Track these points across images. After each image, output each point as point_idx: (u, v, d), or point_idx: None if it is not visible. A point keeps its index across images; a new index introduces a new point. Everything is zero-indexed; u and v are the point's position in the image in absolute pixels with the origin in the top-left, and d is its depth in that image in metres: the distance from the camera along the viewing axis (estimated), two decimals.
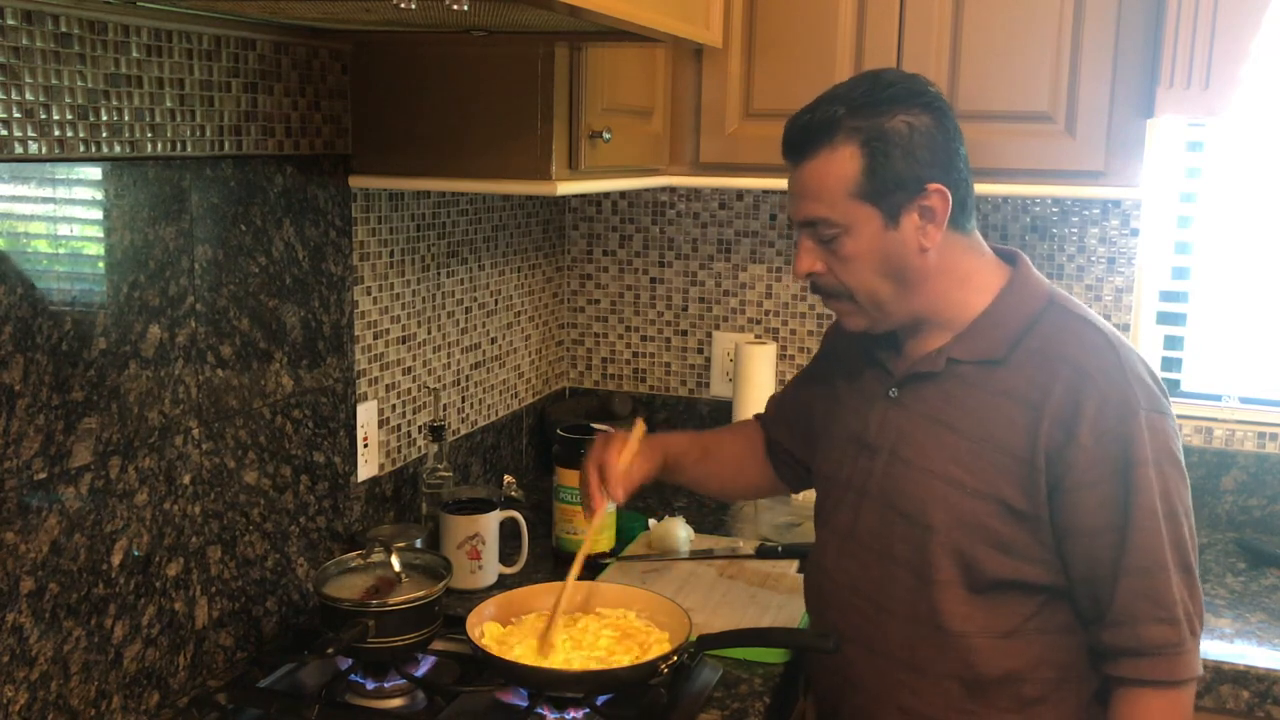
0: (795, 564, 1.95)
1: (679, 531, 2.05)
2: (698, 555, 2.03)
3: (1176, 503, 1.35)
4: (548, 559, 1.99)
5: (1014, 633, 1.39)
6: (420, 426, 2.05)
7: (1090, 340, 1.38)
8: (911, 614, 1.42)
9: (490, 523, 1.88)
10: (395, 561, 1.59)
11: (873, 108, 1.37)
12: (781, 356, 2.51)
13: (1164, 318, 2.35)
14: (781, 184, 2.07)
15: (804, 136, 1.40)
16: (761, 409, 2.37)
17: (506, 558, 1.92)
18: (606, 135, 1.72)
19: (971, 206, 1.43)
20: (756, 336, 2.52)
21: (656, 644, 1.54)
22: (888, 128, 1.36)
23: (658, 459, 1.68)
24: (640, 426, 1.67)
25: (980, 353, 1.41)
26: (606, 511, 1.65)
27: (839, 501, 1.52)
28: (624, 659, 1.50)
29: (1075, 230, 2.30)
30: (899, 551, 1.43)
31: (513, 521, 1.95)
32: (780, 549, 1.99)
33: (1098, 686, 1.40)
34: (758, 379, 2.36)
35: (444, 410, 2.13)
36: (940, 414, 1.42)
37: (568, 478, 1.96)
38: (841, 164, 1.37)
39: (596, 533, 1.62)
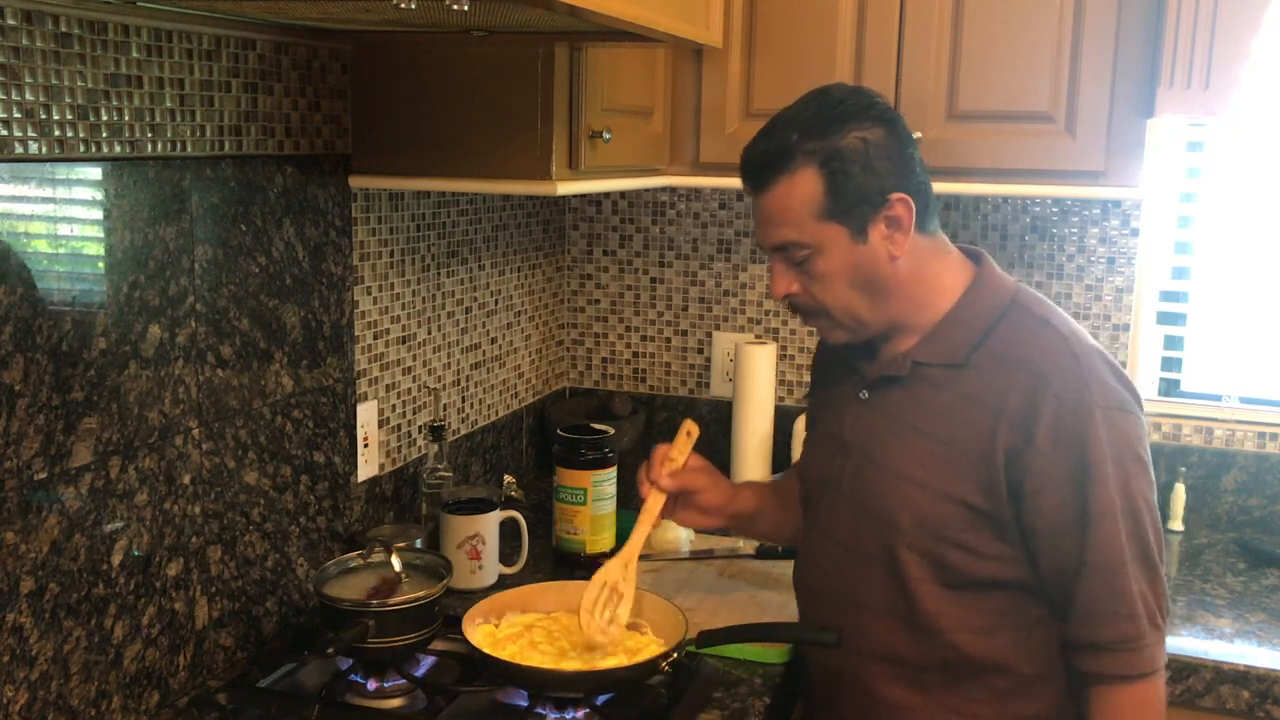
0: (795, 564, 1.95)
1: (679, 532, 2.05)
2: (698, 555, 2.03)
3: (1138, 498, 1.36)
4: (548, 559, 1.99)
5: (991, 628, 1.42)
6: (420, 426, 2.05)
7: (1047, 342, 1.40)
8: (889, 610, 1.45)
9: (490, 523, 1.88)
10: (395, 561, 1.59)
11: (825, 128, 1.39)
12: (781, 356, 2.51)
13: (1164, 318, 2.35)
14: None
15: (762, 164, 1.43)
16: (761, 409, 2.39)
17: (506, 558, 1.92)
18: (606, 135, 1.72)
19: (934, 209, 1.46)
20: (756, 336, 2.52)
21: (654, 644, 1.54)
22: (843, 146, 1.38)
23: (724, 486, 1.67)
24: (692, 427, 1.66)
25: (941, 356, 1.44)
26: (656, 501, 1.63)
27: (818, 501, 1.56)
28: (623, 659, 1.50)
29: (1075, 230, 2.30)
30: (870, 550, 1.46)
31: (513, 521, 1.95)
32: (780, 549, 1.98)
33: (1072, 680, 1.43)
34: (758, 379, 2.36)
35: (444, 410, 2.13)
36: (906, 416, 1.45)
37: (568, 478, 1.96)
38: (803, 187, 1.39)
39: (647, 515, 1.60)
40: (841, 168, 1.38)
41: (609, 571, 1.57)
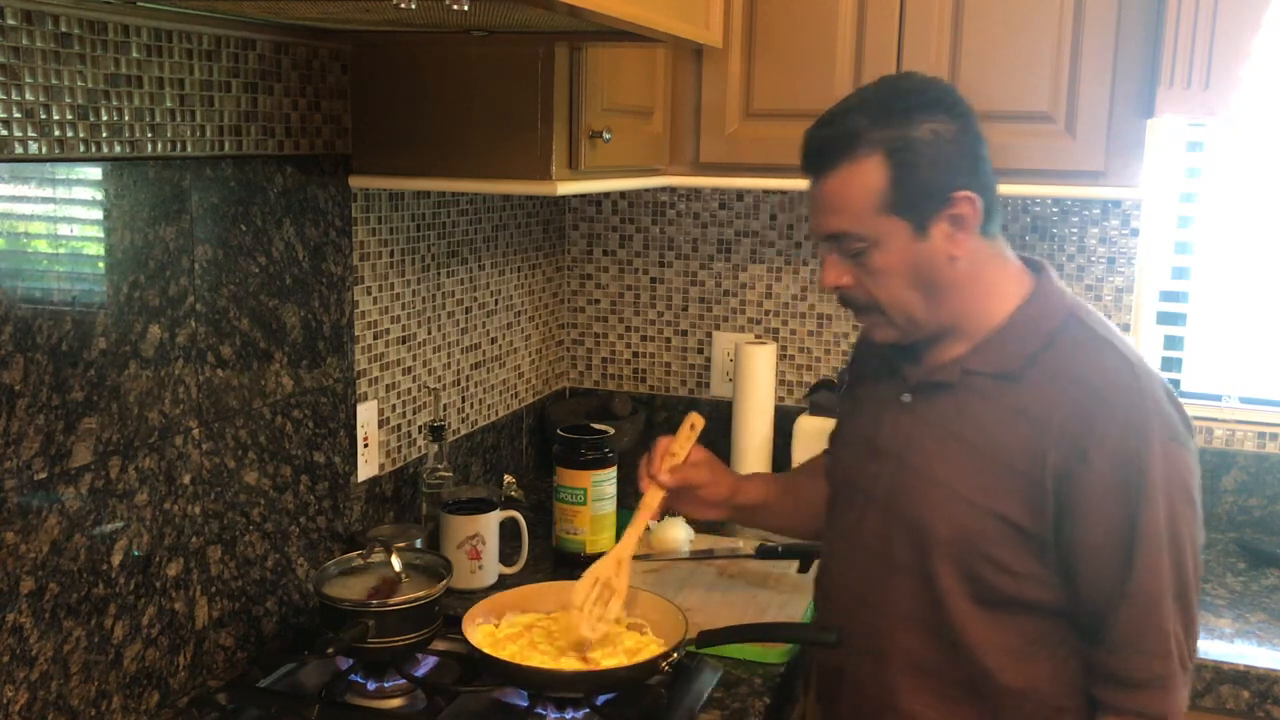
0: (795, 564, 1.95)
1: (679, 532, 2.05)
2: (698, 555, 2.03)
3: (1183, 535, 1.31)
4: (548, 559, 1.99)
5: (1022, 651, 1.37)
6: (420, 426, 2.05)
7: (1110, 363, 1.34)
8: (918, 621, 1.40)
9: (490, 523, 1.88)
10: (395, 561, 1.59)
11: (895, 116, 1.33)
12: (781, 356, 2.51)
13: (1164, 318, 2.35)
14: (781, 184, 2.09)
15: (825, 149, 1.36)
16: (761, 409, 2.39)
17: (506, 558, 1.92)
18: (606, 135, 1.72)
19: (997, 211, 1.40)
20: (756, 336, 2.52)
21: (654, 644, 1.54)
22: (913, 137, 1.32)
23: (727, 481, 1.64)
24: (696, 419, 1.65)
25: (995, 366, 1.38)
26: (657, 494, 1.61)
27: (847, 505, 1.51)
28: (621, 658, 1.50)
29: (1075, 230, 2.30)
30: (902, 559, 1.41)
31: (513, 521, 1.95)
32: (780, 549, 1.98)
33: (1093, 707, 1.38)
34: (758, 379, 2.36)
35: (444, 410, 2.13)
36: (951, 425, 1.39)
37: (568, 478, 1.96)
38: (866, 176, 1.33)
39: (645, 510, 1.59)
40: (909, 159, 1.31)
41: (602, 567, 1.56)
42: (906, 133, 1.32)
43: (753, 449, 2.37)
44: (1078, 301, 1.43)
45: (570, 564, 1.96)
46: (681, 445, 1.61)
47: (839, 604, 1.51)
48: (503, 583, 1.88)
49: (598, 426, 2.04)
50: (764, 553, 2.00)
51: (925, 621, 1.40)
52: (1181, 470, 1.32)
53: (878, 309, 1.40)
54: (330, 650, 1.47)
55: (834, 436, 1.64)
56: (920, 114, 1.33)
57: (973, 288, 1.39)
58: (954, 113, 1.35)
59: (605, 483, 1.97)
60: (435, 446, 1.98)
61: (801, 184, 2.05)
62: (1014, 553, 1.34)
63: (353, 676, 1.54)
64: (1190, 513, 1.32)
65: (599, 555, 1.94)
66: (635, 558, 1.98)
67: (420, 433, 2.06)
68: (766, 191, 2.46)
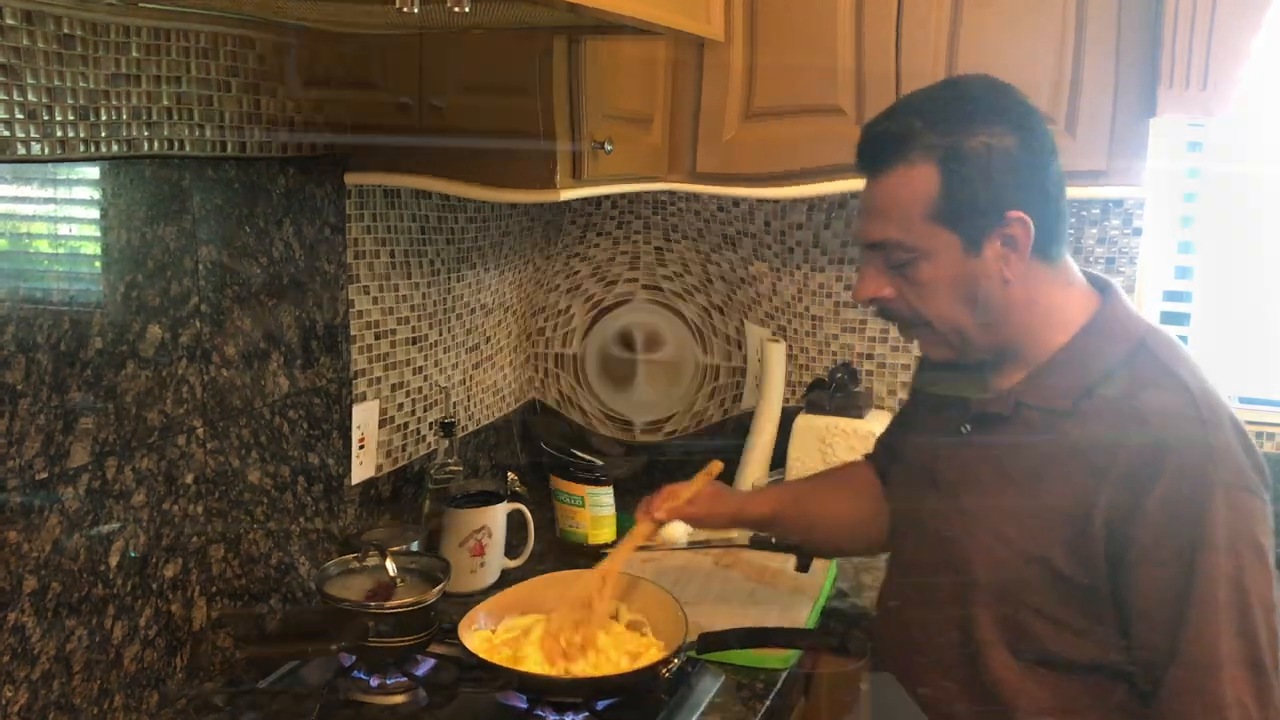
0: (793, 560, 1.94)
1: (678, 530, 2.05)
2: (695, 545, 2.04)
3: (1250, 593, 1.18)
4: (552, 551, 2.00)
5: (1066, 711, 1.27)
6: (431, 424, 2.05)
7: (1172, 400, 1.23)
8: (955, 671, 1.33)
9: (498, 514, 1.88)
10: (390, 566, 1.57)
11: (953, 123, 1.25)
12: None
13: (1166, 317, 2.34)
14: (777, 192, 2.06)
15: (879, 147, 1.29)
16: (774, 411, 2.35)
17: (512, 550, 1.93)
18: (608, 147, 1.70)
19: (1062, 233, 1.31)
20: (772, 335, 2.49)
21: (654, 647, 1.53)
22: (966, 147, 1.24)
23: (725, 508, 1.63)
24: (715, 466, 1.65)
25: (1047, 400, 1.29)
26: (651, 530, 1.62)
27: (903, 536, 1.45)
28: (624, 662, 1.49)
29: (1074, 230, 2.30)
30: (943, 600, 1.33)
31: (519, 514, 1.95)
32: (774, 540, 1.97)
33: None
34: (774, 381, 2.33)
35: (453, 408, 2.13)
36: (1004, 461, 1.31)
37: (565, 485, 1.99)
38: (917, 183, 1.26)
39: (631, 540, 1.61)
40: (960, 171, 1.24)
41: (586, 586, 1.55)
42: (960, 141, 1.24)
43: (759, 447, 2.35)
44: (1148, 327, 1.32)
45: (575, 554, 2.00)
46: (691, 490, 1.61)
47: (886, 639, 1.46)
48: (505, 578, 1.88)
49: (584, 457, 2.07)
50: (757, 543, 1.99)
51: (961, 671, 1.32)
52: (1249, 521, 1.20)
53: (926, 325, 1.33)
54: (333, 648, 1.47)
55: (887, 450, 1.58)
56: (978, 123, 1.25)
57: (1026, 314, 1.30)
58: (1016, 125, 1.26)
59: (602, 494, 2.01)
60: (446, 442, 1.97)
61: (794, 190, 2.05)
62: (1062, 604, 1.25)
63: (355, 673, 1.54)
64: (1259, 566, 1.20)
65: (602, 546, 1.98)
66: (637, 548, 1.99)
67: (431, 430, 2.05)
68: (760, 201, 2.44)
